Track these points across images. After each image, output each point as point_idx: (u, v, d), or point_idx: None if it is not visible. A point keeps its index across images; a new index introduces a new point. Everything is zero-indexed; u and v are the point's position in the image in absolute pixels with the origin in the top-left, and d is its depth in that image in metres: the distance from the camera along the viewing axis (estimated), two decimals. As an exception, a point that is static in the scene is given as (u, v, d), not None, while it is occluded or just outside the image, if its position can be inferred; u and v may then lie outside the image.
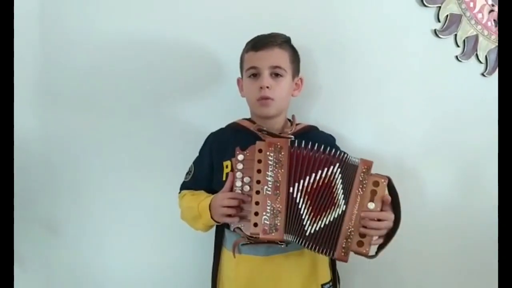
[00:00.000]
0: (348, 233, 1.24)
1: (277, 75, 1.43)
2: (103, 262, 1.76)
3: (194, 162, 1.53)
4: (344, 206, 1.25)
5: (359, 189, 1.25)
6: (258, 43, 1.45)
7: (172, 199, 1.55)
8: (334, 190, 1.27)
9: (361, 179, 1.25)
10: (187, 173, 1.53)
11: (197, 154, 1.54)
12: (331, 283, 1.49)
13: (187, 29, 1.68)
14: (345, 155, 1.30)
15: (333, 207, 1.26)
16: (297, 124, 1.52)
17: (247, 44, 1.50)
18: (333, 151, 1.30)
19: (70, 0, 1.66)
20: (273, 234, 1.25)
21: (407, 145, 1.78)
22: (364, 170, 1.26)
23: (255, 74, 1.44)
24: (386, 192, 1.27)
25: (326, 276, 1.48)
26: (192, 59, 1.69)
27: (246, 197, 1.28)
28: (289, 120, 1.55)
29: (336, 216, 1.26)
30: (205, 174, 1.48)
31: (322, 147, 1.30)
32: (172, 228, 1.68)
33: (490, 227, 1.75)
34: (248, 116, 1.55)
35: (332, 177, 1.27)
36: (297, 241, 1.27)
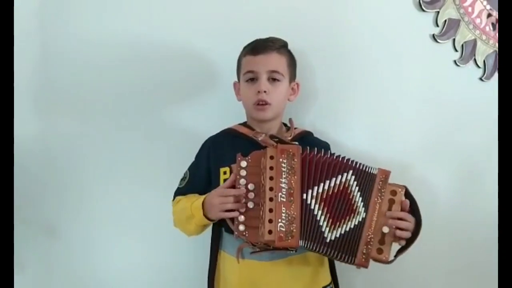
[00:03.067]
0: (368, 240, 1.26)
1: (274, 79, 1.44)
2: (102, 265, 1.76)
3: (189, 168, 1.52)
4: (364, 214, 1.28)
5: (378, 197, 1.28)
6: (256, 47, 1.45)
7: (167, 201, 1.54)
8: (351, 197, 1.29)
9: (379, 187, 1.29)
10: (182, 179, 1.52)
11: (192, 158, 1.53)
12: (331, 285, 1.50)
13: (185, 33, 1.69)
14: (360, 163, 1.32)
15: (352, 214, 1.28)
16: (294, 129, 1.52)
17: (245, 48, 1.50)
18: (345, 158, 1.32)
19: (69, 3, 1.65)
20: (289, 240, 1.24)
21: (405, 149, 1.79)
22: (382, 179, 1.29)
23: (253, 79, 1.44)
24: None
25: (326, 278, 1.49)
26: (190, 63, 1.70)
27: (241, 190, 1.27)
28: (285, 124, 1.56)
29: (356, 223, 1.28)
30: (201, 179, 1.47)
31: (334, 154, 1.32)
32: (169, 230, 1.67)
33: (488, 228, 1.76)
34: (244, 119, 1.55)
35: (347, 184, 1.30)
36: (315, 248, 1.27)
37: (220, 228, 1.44)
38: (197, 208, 1.34)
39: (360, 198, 1.29)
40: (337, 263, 1.51)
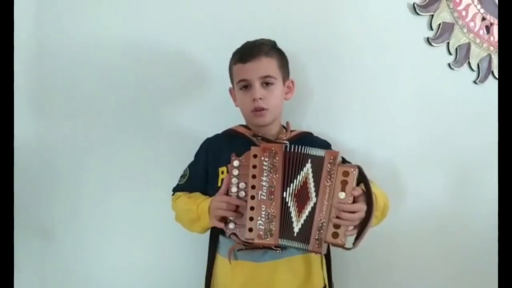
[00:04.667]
0: (320, 225, 1.23)
1: (268, 84, 1.43)
2: (98, 267, 1.75)
3: (189, 166, 1.53)
4: (315, 198, 1.25)
5: (327, 180, 1.24)
6: (245, 55, 1.44)
7: (166, 204, 1.55)
8: (308, 185, 1.27)
9: (328, 169, 1.24)
10: (182, 176, 1.52)
11: (189, 158, 1.54)
12: (326, 289, 1.49)
13: (183, 34, 1.69)
14: (315, 150, 1.29)
15: (308, 202, 1.26)
16: (292, 131, 1.52)
17: (234, 55, 1.49)
18: (305, 148, 1.30)
19: (67, 7, 1.66)
20: (268, 239, 1.25)
21: (400, 150, 1.80)
22: (330, 160, 1.25)
23: (246, 86, 1.44)
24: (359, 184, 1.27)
25: (320, 281, 1.48)
26: (188, 64, 1.70)
27: (243, 202, 1.28)
28: (284, 126, 1.56)
29: (310, 209, 1.26)
30: (200, 178, 1.48)
31: (302, 147, 1.29)
32: (166, 233, 1.68)
33: (482, 229, 1.79)
34: (243, 121, 1.55)
35: (308, 174, 1.27)
36: (290, 244, 1.27)
37: (216, 231, 1.44)
38: (203, 212, 1.35)
39: (313, 184, 1.26)
40: (333, 266, 1.51)
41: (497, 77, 1.81)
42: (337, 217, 1.22)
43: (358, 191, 1.23)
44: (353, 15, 1.75)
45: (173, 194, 1.54)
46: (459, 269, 1.86)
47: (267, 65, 1.43)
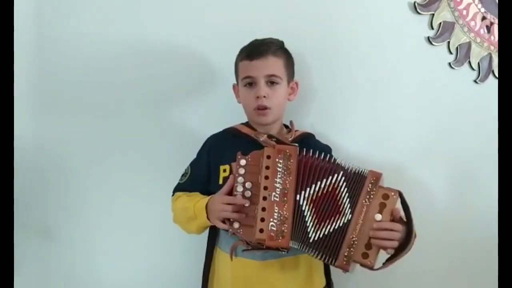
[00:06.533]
0: (352, 242, 1.22)
1: (272, 83, 1.44)
2: (97, 266, 1.76)
3: (191, 164, 1.52)
4: (350, 215, 1.24)
5: (366, 199, 1.24)
6: (252, 52, 1.45)
7: (164, 201, 1.54)
8: (338, 198, 1.26)
9: (368, 189, 1.24)
10: (183, 175, 1.52)
11: (192, 157, 1.53)
12: (326, 289, 1.49)
13: (183, 33, 1.69)
14: (351, 164, 1.30)
15: (338, 215, 1.25)
16: (295, 131, 1.52)
17: (241, 52, 1.49)
18: (336, 160, 1.31)
19: (67, 5, 1.65)
20: (279, 240, 1.24)
21: (400, 150, 1.80)
22: (372, 181, 1.25)
23: (251, 83, 1.44)
24: (398, 205, 1.26)
25: (321, 281, 1.48)
26: (188, 63, 1.70)
27: (246, 201, 1.27)
28: (286, 125, 1.56)
29: (341, 224, 1.24)
30: (202, 176, 1.48)
31: (328, 156, 1.31)
32: (165, 229, 1.67)
33: (483, 229, 1.79)
34: (245, 119, 1.55)
35: (336, 185, 1.27)
36: (300, 248, 1.27)
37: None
38: (201, 210, 1.34)
39: (348, 200, 1.26)
40: (332, 267, 1.51)
41: (497, 76, 1.81)
42: (374, 237, 1.21)
43: (398, 211, 1.24)
44: (353, 15, 1.75)
45: (173, 195, 1.53)
46: (461, 267, 1.87)
47: (273, 64, 1.44)
